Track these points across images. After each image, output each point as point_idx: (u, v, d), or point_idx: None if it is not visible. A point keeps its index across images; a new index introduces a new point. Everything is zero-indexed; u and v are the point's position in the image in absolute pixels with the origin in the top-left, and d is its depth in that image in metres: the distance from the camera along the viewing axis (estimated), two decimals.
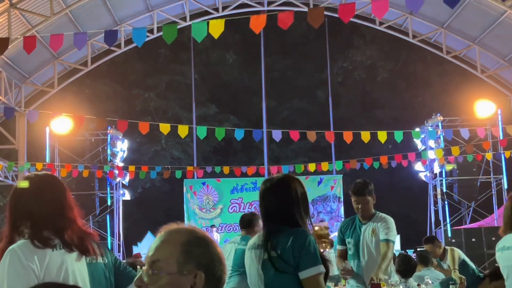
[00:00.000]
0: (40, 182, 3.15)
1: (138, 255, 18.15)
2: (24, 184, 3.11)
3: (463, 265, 7.15)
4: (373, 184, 6.02)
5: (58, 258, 2.96)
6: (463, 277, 6.24)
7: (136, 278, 1.95)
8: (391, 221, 6.04)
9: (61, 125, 19.53)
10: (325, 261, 3.70)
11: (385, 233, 5.93)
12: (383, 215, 6.07)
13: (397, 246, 19.99)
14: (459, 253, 7.06)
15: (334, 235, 19.27)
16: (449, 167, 20.53)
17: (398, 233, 21.82)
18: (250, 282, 3.89)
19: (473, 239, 18.75)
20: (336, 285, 6.99)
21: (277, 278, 3.63)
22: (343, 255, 6.08)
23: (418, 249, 15.66)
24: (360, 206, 5.96)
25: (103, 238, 20.50)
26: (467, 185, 20.78)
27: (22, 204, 3.06)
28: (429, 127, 20.55)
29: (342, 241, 6.12)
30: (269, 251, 3.66)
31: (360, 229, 6.00)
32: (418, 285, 6.64)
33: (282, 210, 3.75)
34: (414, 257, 8.06)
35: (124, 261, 16.56)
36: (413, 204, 25.56)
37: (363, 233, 5.96)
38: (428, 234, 20.51)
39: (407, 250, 17.93)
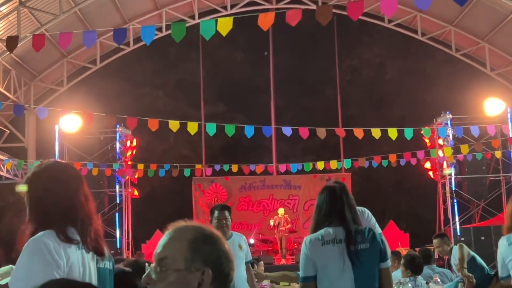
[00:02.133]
0: (58, 171, 3.05)
1: (141, 254, 18.23)
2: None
3: (472, 262, 7.10)
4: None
5: (79, 256, 2.89)
6: (471, 275, 6.20)
7: (144, 275, 1.95)
8: (369, 212, 5.73)
9: (70, 123, 19.60)
10: None
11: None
12: (359, 208, 5.52)
13: (405, 245, 19.98)
14: (468, 250, 7.01)
15: None
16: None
17: (407, 232, 21.82)
18: (331, 273, 4.18)
19: (482, 238, 18.69)
20: None
21: (365, 268, 4.13)
22: None
23: (426, 247, 15.62)
24: None
25: (112, 236, 20.56)
26: (476, 184, 20.70)
27: (40, 194, 2.94)
28: (438, 125, 20.49)
29: None
30: (357, 245, 4.15)
31: None
32: (427, 283, 6.63)
33: (355, 211, 4.40)
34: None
35: (132, 259, 16.60)
36: (422, 202, 25.47)
37: None
38: (437, 233, 20.46)
39: (415, 249, 17.90)
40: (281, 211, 20.04)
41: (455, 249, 7.34)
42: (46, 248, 2.72)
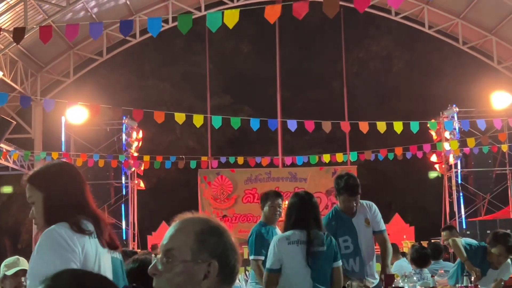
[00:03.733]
0: (70, 169, 3.16)
1: (157, 246, 18.25)
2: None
3: (471, 247, 7.04)
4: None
5: (93, 246, 2.96)
6: (477, 269, 6.19)
7: (150, 266, 1.96)
8: (376, 207, 5.86)
9: (76, 114, 19.64)
10: None
11: (379, 224, 5.80)
12: (364, 201, 5.83)
13: (411, 238, 19.96)
14: (461, 240, 6.97)
15: None
16: (433, 175, 20.58)
17: (412, 225, 21.77)
18: (293, 269, 4.89)
19: (488, 231, 18.66)
20: None
21: (322, 267, 4.91)
22: None
23: (432, 241, 15.61)
24: (354, 204, 5.67)
25: (118, 228, 20.62)
26: (482, 177, 20.65)
27: (54, 192, 3.01)
28: (444, 118, 20.45)
29: None
30: (315, 248, 4.86)
31: (352, 223, 5.72)
32: (432, 276, 6.63)
33: (318, 217, 5.08)
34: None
35: (143, 251, 16.67)
36: (427, 195, 25.46)
37: (357, 227, 5.70)
38: (442, 226, 20.47)
39: (421, 242, 17.89)
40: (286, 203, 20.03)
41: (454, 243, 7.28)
42: (60, 236, 2.82)
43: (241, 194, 22.38)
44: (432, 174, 20.58)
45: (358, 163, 22.10)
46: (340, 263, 5.05)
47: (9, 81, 18.98)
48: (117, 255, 3.32)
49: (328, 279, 4.96)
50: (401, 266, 7.77)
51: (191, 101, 29.50)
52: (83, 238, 2.89)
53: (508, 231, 6.60)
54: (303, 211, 5.02)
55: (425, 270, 6.98)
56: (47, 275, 1.65)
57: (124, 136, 21.00)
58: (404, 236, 19.38)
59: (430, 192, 24.59)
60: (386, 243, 5.84)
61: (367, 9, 20.29)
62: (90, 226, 2.97)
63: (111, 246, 3.09)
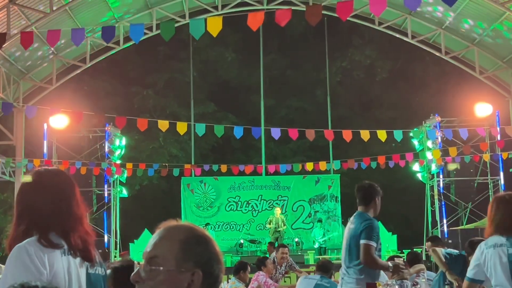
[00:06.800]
0: (47, 177, 3.04)
1: (126, 254, 18.21)
2: (27, 178, 2.98)
3: (451, 256, 7.08)
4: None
5: (65, 262, 2.86)
6: (458, 278, 6.22)
7: (133, 273, 1.93)
8: None
9: (59, 121, 19.51)
10: None
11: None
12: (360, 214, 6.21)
13: (393, 246, 20.02)
14: (441, 249, 6.99)
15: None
16: (452, 167, 20.60)
17: (395, 233, 21.80)
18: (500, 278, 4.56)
19: None
20: None
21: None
22: None
23: (414, 249, 15.66)
24: None
25: (100, 235, 20.48)
26: (464, 186, 20.81)
27: (26, 199, 2.95)
28: (427, 128, 20.58)
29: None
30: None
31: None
32: (414, 285, 6.64)
33: None
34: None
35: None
36: (410, 204, 25.55)
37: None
38: (424, 235, 20.58)
39: (403, 250, 17.93)
40: (277, 211, 19.98)
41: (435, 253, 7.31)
42: (28, 256, 2.73)
43: (224, 202, 22.34)
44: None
45: (341, 171, 22.15)
46: None
47: None
48: (99, 270, 3.18)
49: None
50: None
51: (175, 108, 29.47)
52: (52, 254, 2.80)
53: None
54: None
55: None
56: None
57: (106, 144, 20.90)
58: (387, 245, 19.42)
59: (412, 201, 24.68)
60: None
61: (350, 19, 20.41)
62: (60, 240, 2.86)
63: (85, 257, 2.98)
